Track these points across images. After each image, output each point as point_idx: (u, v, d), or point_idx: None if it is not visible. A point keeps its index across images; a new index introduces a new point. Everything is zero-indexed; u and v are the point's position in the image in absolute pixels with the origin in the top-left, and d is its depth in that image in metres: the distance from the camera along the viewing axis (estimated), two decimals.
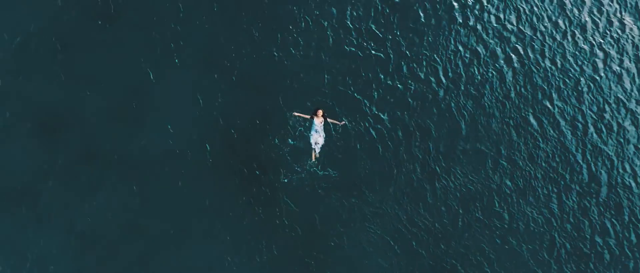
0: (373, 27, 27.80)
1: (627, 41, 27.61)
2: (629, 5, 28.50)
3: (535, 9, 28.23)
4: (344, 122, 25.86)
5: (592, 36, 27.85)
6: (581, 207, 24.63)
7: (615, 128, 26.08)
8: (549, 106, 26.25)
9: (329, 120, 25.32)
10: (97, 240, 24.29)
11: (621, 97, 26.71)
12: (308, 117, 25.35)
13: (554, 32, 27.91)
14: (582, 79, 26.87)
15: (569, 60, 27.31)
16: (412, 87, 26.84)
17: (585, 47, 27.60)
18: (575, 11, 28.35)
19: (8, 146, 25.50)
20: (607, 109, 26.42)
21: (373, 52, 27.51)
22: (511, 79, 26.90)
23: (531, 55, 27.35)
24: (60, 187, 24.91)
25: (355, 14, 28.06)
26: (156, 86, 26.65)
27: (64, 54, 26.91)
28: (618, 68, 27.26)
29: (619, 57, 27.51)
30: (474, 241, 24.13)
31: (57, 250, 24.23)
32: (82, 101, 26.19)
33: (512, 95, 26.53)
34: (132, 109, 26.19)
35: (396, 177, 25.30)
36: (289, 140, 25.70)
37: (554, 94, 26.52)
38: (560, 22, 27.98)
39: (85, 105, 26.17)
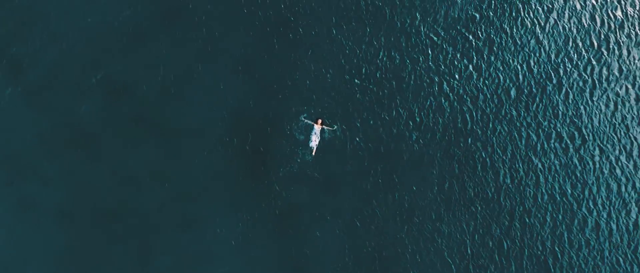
0: (373, 68, 29.28)
1: (546, 102, 28.82)
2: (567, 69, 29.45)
3: (483, 75, 29.21)
4: (335, 128, 27.56)
5: (522, 94, 29.04)
6: (490, 228, 27.31)
7: (524, 175, 27.82)
8: (483, 154, 28.22)
9: (324, 126, 27.72)
10: (135, 184, 26.79)
11: (531, 147, 28.18)
12: (312, 123, 27.86)
13: (496, 91, 29.10)
14: (508, 136, 28.47)
15: (505, 115, 28.71)
16: (394, 119, 28.41)
17: (520, 102, 28.92)
18: (518, 75, 29.31)
19: (82, 104, 27.87)
20: (520, 157, 28.07)
21: (370, 86, 28.92)
22: (462, 125, 28.44)
23: (482, 108, 28.70)
24: (115, 139, 27.30)
25: (361, 58, 29.25)
26: (199, 75, 28.29)
27: (135, 42, 28.84)
28: (533, 125, 28.58)
29: (537, 119, 28.65)
30: (412, 236, 26.85)
31: (104, 187, 26.58)
32: (141, 77, 28.23)
33: (461, 138, 28.43)
34: (177, 89, 28.08)
35: (364, 183, 27.38)
36: (292, 139, 27.54)
37: (488, 146, 28.21)
38: (510, 83, 29.11)
39: (143, 81, 28.17)
